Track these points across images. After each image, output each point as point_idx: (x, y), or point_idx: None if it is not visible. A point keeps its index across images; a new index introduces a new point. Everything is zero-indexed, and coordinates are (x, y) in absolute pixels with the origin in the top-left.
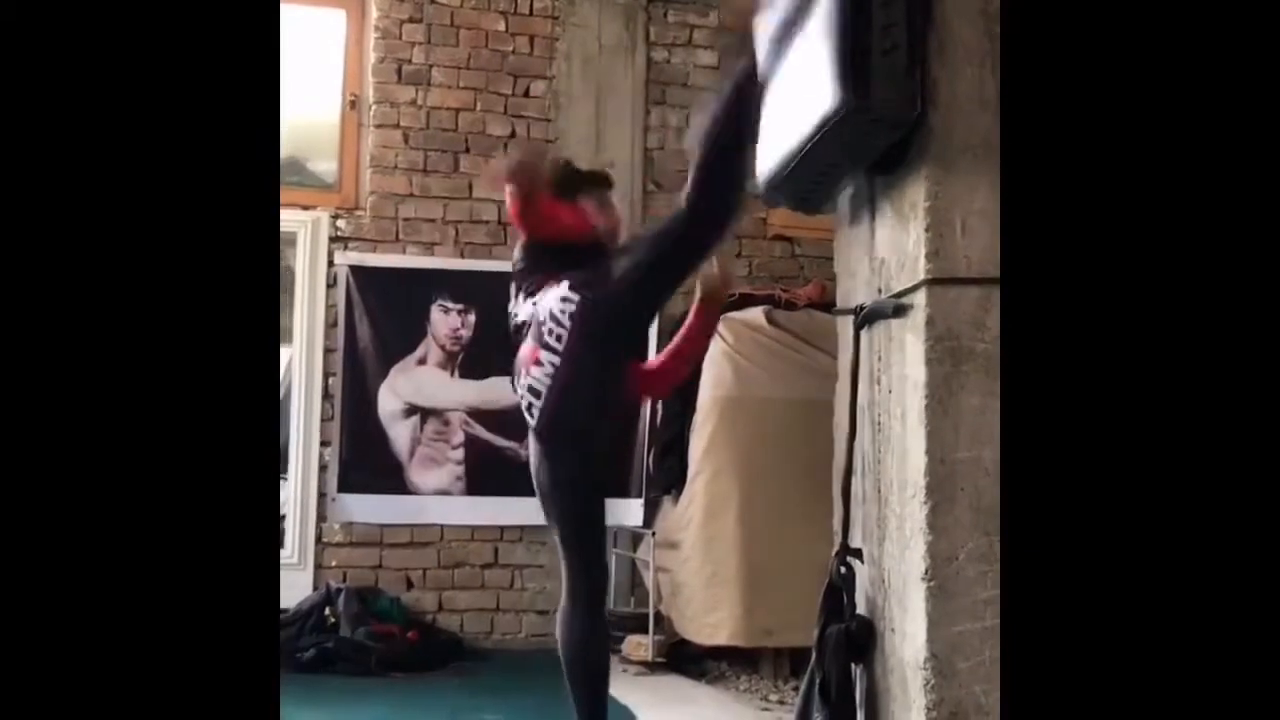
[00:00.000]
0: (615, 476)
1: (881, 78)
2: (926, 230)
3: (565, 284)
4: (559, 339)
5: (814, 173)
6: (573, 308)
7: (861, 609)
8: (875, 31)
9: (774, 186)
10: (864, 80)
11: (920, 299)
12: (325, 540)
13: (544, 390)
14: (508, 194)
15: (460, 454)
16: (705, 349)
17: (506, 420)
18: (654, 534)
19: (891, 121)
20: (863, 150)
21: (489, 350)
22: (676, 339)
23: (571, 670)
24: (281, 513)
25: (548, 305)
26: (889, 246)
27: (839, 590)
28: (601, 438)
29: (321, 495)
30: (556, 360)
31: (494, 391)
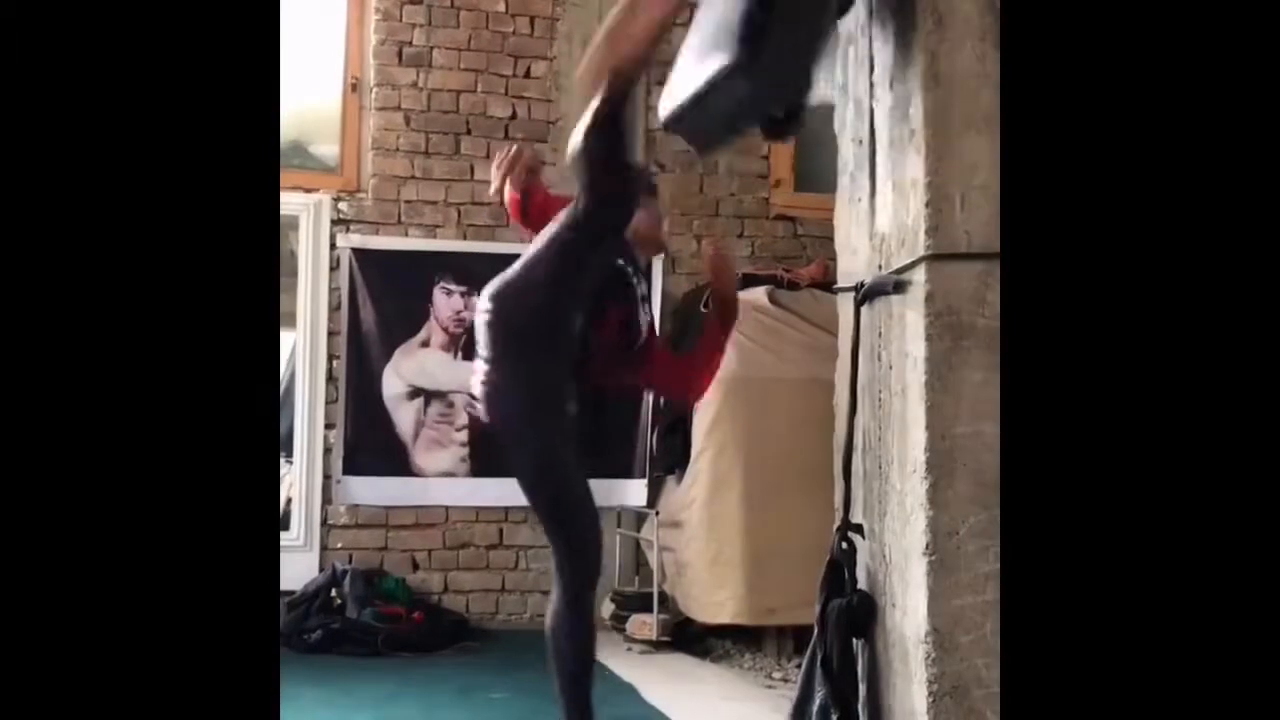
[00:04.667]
0: (617, 458)
1: (777, 46)
2: (926, 206)
3: (486, 291)
4: (486, 346)
5: (707, 120)
6: (488, 316)
7: (863, 584)
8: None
9: (672, 121)
10: (759, 39)
11: (920, 275)
12: (331, 522)
13: (481, 397)
14: (505, 193)
15: (464, 436)
16: (720, 357)
17: None
18: (658, 513)
19: (778, 91)
20: (753, 110)
21: None
22: (696, 349)
23: (552, 661)
24: (287, 496)
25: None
26: (889, 223)
27: (840, 566)
28: (550, 435)
29: (327, 478)
30: (486, 368)
31: None
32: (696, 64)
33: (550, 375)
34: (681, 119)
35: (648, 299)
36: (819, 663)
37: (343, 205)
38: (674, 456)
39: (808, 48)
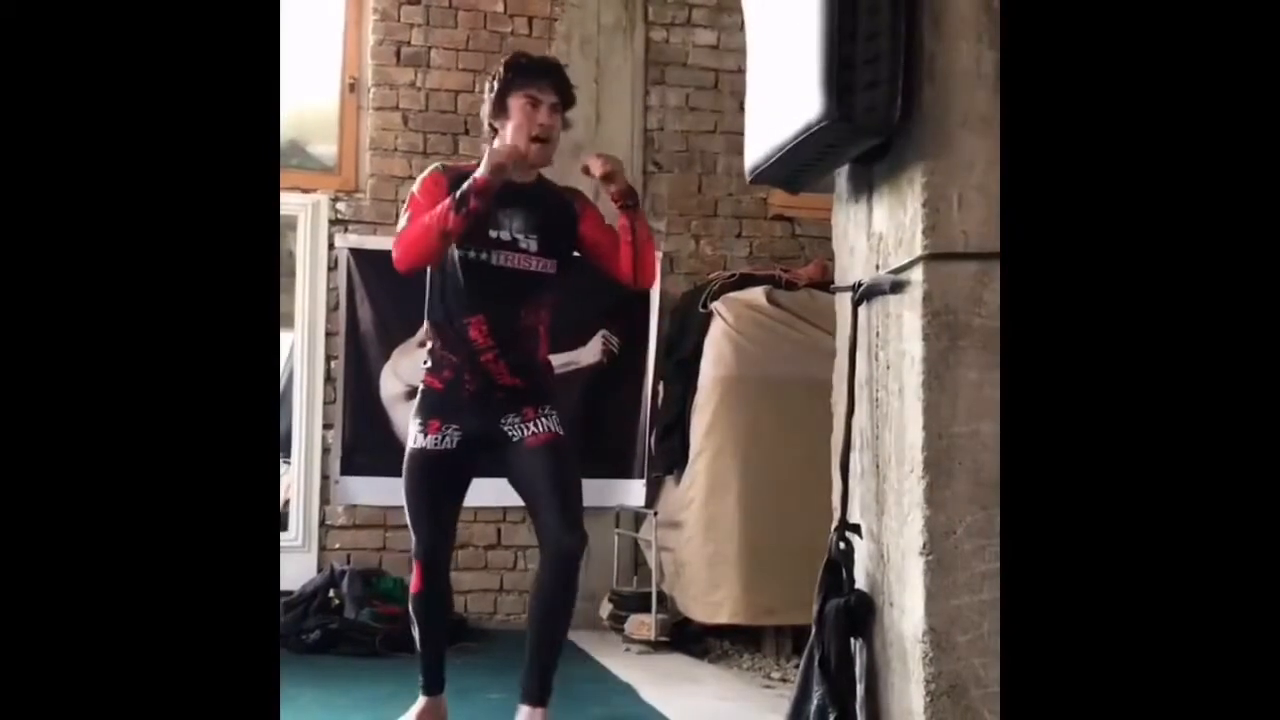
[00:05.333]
0: (616, 459)
1: (863, 88)
2: (923, 205)
3: None
4: None
5: (796, 166)
6: None
7: (860, 584)
8: (859, 41)
9: (759, 175)
10: (847, 90)
11: (917, 274)
12: (329, 523)
13: None
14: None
15: None
16: (650, 247)
17: None
18: (656, 514)
19: (872, 130)
20: (844, 152)
21: None
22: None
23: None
24: (285, 496)
25: None
26: (886, 222)
27: (838, 565)
28: None
29: (325, 478)
30: None
31: None
32: (776, 117)
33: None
34: (769, 172)
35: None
36: (817, 662)
37: (340, 205)
38: (672, 457)
39: (890, 81)
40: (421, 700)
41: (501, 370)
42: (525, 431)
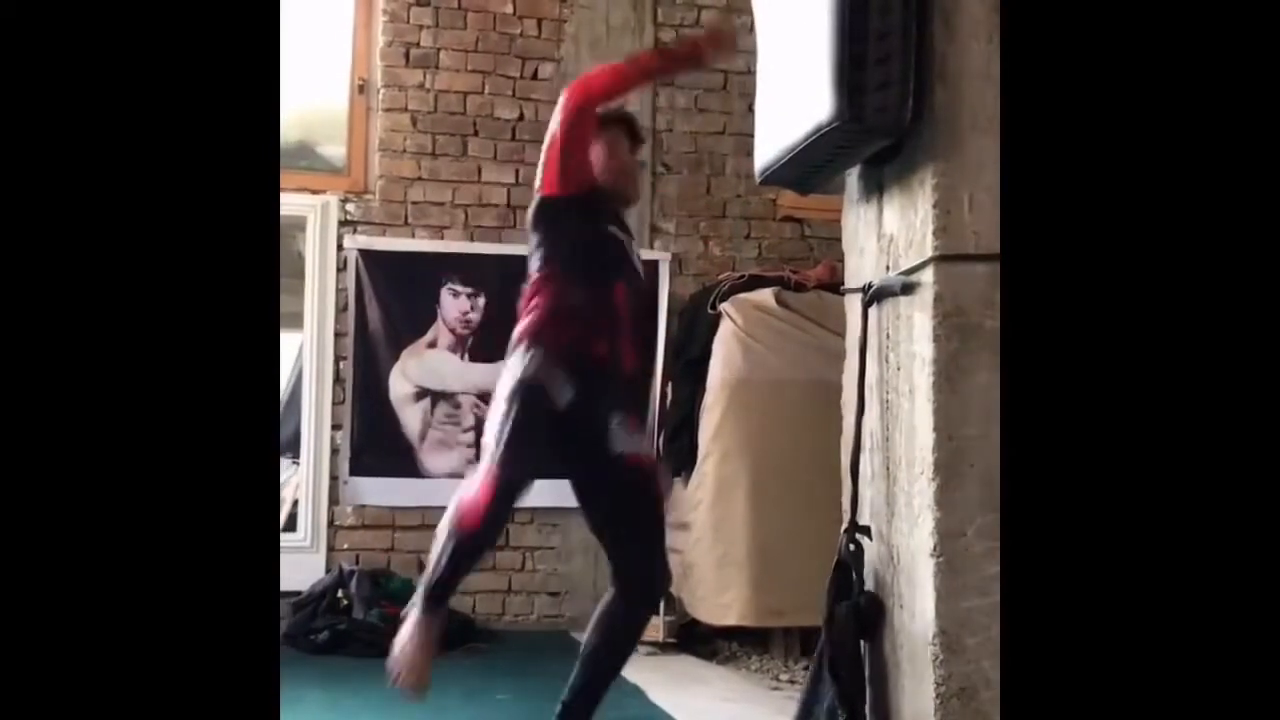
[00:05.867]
0: None
1: (875, 89)
2: (934, 207)
3: None
4: None
5: (806, 167)
6: None
7: (870, 586)
8: (870, 40)
9: (769, 176)
10: (858, 91)
11: (928, 276)
12: (337, 523)
13: None
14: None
15: (471, 437)
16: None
17: None
18: None
19: (883, 131)
20: (855, 153)
21: (499, 333)
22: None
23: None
24: (294, 497)
25: None
26: (897, 223)
27: (848, 567)
28: None
29: (333, 479)
30: None
31: None
32: (787, 118)
33: None
34: (779, 174)
35: None
36: (826, 664)
37: (350, 206)
38: (680, 458)
39: (902, 82)
40: (426, 615)
41: None
42: None
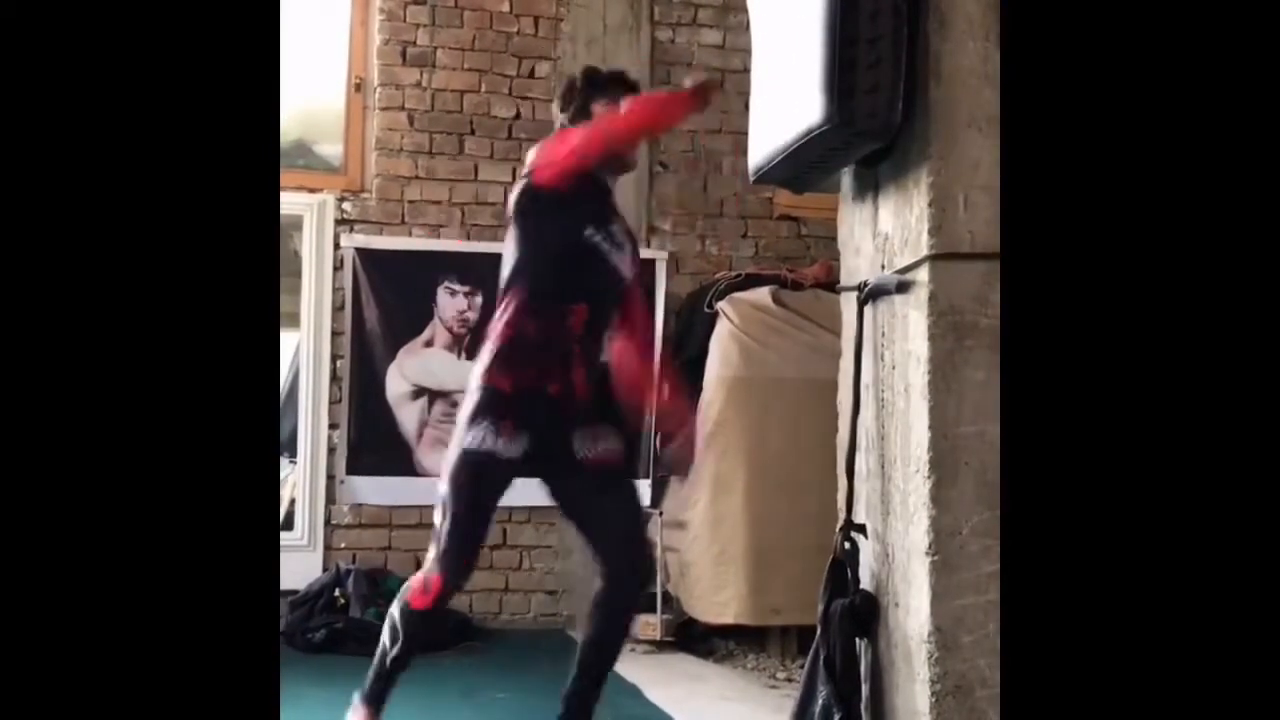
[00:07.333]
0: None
1: (865, 92)
2: (929, 205)
3: None
4: None
5: (799, 168)
6: None
7: (866, 584)
8: (861, 44)
9: (763, 176)
10: (848, 95)
11: (923, 274)
12: (334, 522)
13: None
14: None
15: None
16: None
17: None
18: (661, 514)
19: (873, 135)
20: (846, 154)
21: None
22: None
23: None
24: (291, 496)
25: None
26: (892, 222)
27: (843, 565)
28: None
29: (330, 478)
30: None
31: None
32: (779, 119)
33: None
34: (772, 173)
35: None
36: (822, 662)
37: (347, 205)
38: None
39: (892, 86)
40: (364, 710)
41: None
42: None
